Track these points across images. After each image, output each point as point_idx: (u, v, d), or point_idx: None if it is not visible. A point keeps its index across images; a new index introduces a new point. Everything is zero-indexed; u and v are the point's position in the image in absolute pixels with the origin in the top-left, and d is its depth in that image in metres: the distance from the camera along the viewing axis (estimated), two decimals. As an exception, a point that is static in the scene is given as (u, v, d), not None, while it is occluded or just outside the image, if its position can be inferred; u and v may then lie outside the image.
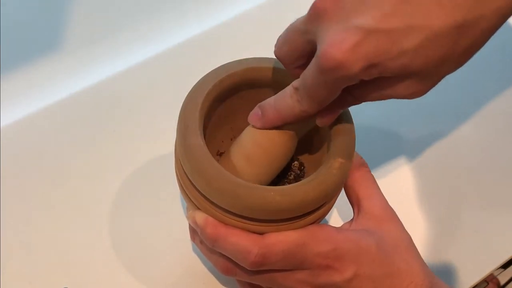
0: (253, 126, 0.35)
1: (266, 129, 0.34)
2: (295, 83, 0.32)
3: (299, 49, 0.31)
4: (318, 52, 0.28)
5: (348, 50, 0.27)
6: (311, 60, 0.30)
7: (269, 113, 0.34)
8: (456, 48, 0.27)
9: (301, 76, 0.31)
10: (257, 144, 0.35)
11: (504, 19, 0.27)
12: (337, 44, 0.27)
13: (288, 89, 0.32)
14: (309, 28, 0.29)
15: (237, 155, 0.36)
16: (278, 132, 0.34)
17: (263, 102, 0.34)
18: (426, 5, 0.26)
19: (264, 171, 0.36)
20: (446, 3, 0.26)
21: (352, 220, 0.38)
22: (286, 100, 0.32)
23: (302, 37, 0.30)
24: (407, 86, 0.29)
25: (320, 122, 0.33)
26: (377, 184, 0.39)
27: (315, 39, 0.29)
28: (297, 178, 0.40)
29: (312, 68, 0.29)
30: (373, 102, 0.32)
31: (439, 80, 0.29)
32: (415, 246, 0.37)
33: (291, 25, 0.32)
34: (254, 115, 0.35)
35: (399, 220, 0.38)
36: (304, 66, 0.31)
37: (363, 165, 0.39)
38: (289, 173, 0.40)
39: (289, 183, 0.40)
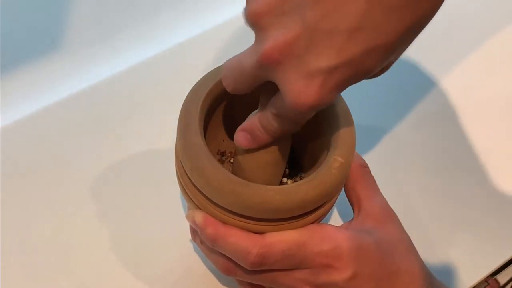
0: (243, 148, 0.35)
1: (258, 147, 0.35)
2: (273, 109, 0.31)
3: (255, 86, 0.31)
4: (286, 100, 0.28)
5: (317, 93, 0.27)
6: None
7: (259, 136, 0.33)
8: (412, 40, 0.27)
9: (275, 106, 0.31)
10: (255, 162, 0.35)
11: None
12: (304, 91, 0.27)
13: (269, 114, 0.32)
14: (263, 74, 0.28)
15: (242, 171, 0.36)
16: (270, 153, 0.35)
17: (247, 127, 0.34)
18: (377, 25, 0.25)
19: (270, 176, 0.37)
20: (393, 18, 0.25)
21: (352, 220, 0.38)
22: (272, 124, 0.32)
23: (256, 79, 0.30)
24: (377, 74, 0.31)
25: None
26: (377, 185, 0.39)
27: (272, 80, 0.29)
28: (293, 171, 0.41)
29: (285, 107, 0.29)
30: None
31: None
32: (414, 247, 0.37)
33: (238, 64, 0.30)
34: (243, 139, 0.34)
35: (398, 220, 0.38)
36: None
37: (363, 165, 0.39)
38: (286, 169, 0.41)
39: (286, 177, 0.41)
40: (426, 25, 0.27)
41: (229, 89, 0.32)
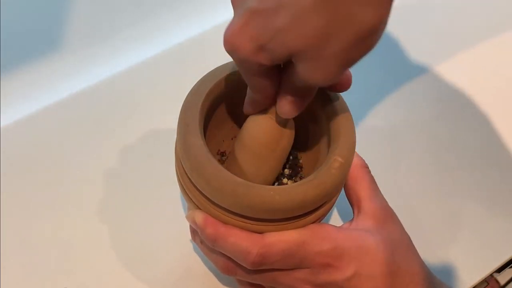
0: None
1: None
2: None
3: None
4: None
5: (236, 33, 0.28)
6: None
7: (248, 98, 0.35)
8: (333, 23, 0.25)
9: None
10: (252, 136, 0.36)
11: None
12: (229, 28, 0.28)
13: None
14: None
15: (239, 152, 0.36)
16: (269, 122, 0.35)
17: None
18: None
19: (268, 164, 0.36)
20: None
21: (352, 220, 0.38)
22: (249, 92, 0.34)
23: None
24: (307, 70, 0.28)
25: (279, 112, 0.33)
26: (377, 185, 0.39)
27: None
28: (293, 171, 0.40)
29: None
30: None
31: (338, 61, 0.27)
32: (414, 246, 0.37)
33: None
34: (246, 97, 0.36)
35: (398, 220, 0.38)
36: None
37: (363, 165, 0.39)
38: (285, 169, 0.41)
39: (286, 177, 0.40)
40: (360, 23, 0.25)
41: None
